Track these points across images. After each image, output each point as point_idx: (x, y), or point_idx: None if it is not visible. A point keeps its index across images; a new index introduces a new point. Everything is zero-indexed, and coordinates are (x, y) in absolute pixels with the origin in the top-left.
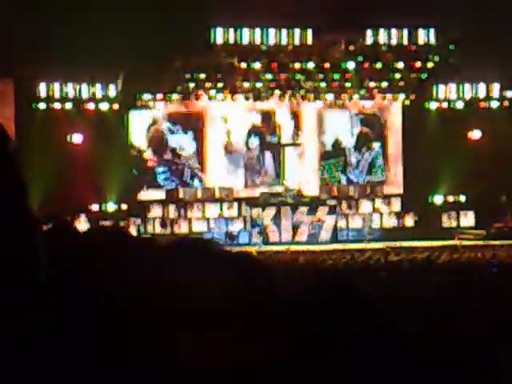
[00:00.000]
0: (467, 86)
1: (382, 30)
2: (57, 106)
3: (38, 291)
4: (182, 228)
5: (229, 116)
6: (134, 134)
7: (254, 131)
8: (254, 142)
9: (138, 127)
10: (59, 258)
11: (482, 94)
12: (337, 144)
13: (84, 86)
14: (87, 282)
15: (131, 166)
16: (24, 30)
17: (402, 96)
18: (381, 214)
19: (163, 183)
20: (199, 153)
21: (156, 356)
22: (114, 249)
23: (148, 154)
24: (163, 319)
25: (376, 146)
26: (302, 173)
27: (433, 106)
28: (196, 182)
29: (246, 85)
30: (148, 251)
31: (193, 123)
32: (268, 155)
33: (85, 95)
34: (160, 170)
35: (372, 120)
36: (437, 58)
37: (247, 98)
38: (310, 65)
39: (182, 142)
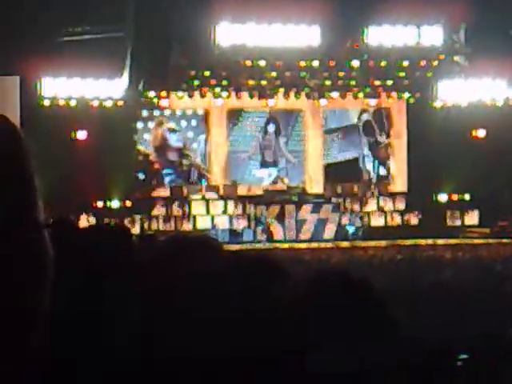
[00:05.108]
0: (472, 84)
1: (387, 28)
2: (61, 102)
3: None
4: (186, 225)
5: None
6: (139, 134)
7: (271, 119)
8: (272, 128)
9: (143, 126)
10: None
11: (487, 92)
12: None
13: (89, 83)
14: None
15: (137, 170)
16: (28, 28)
17: (407, 94)
18: (385, 212)
19: (169, 185)
20: (206, 152)
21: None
22: (115, 247)
23: (153, 157)
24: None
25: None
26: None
27: (438, 104)
28: (203, 183)
29: (251, 82)
30: (149, 249)
31: (199, 121)
32: (282, 141)
33: (90, 92)
34: (166, 171)
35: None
36: (442, 57)
37: (252, 96)
38: (315, 63)
39: (188, 141)
